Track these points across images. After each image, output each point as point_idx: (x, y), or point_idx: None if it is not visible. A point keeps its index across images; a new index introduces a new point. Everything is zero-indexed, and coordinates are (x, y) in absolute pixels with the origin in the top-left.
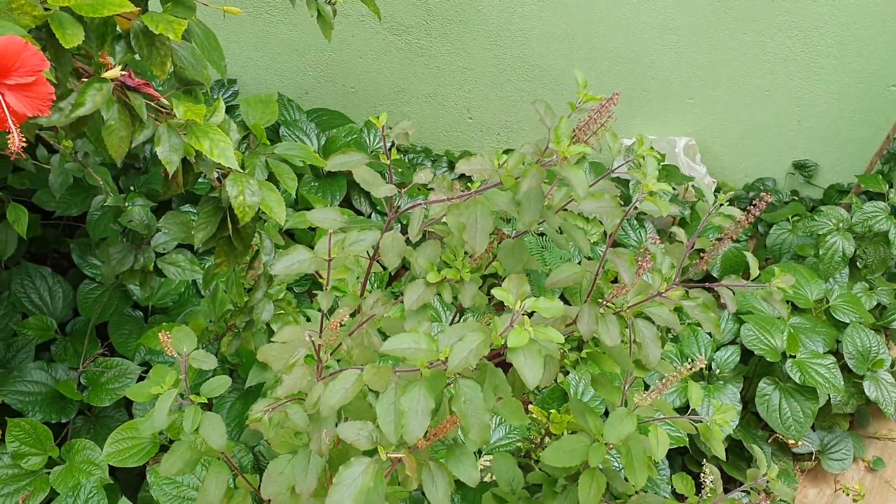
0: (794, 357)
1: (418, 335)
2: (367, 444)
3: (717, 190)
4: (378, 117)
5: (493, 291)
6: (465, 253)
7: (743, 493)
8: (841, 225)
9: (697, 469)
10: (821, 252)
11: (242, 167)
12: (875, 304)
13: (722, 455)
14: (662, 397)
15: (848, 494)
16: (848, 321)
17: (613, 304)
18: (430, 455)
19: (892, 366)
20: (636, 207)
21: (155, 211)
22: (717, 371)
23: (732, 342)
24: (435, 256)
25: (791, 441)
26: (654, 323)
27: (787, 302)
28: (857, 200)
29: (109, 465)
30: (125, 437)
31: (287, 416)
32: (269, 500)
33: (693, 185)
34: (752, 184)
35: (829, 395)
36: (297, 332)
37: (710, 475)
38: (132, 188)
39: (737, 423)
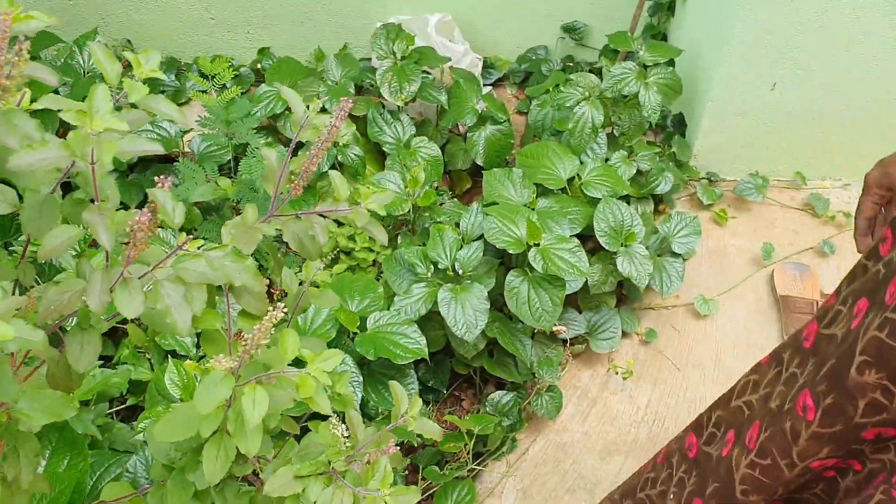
0: (538, 245)
1: None
2: None
3: (489, 66)
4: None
5: None
6: None
7: (503, 392)
8: (590, 93)
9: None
10: (570, 125)
11: None
12: (636, 171)
13: (325, 410)
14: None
15: (617, 373)
16: (600, 196)
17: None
18: None
19: (655, 232)
20: None
21: None
22: (461, 271)
23: (481, 237)
24: None
25: (556, 328)
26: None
27: (537, 185)
28: (608, 63)
29: None
30: None
31: None
32: None
33: (450, 67)
34: (524, 54)
35: (575, 279)
36: None
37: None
38: None
39: (483, 324)
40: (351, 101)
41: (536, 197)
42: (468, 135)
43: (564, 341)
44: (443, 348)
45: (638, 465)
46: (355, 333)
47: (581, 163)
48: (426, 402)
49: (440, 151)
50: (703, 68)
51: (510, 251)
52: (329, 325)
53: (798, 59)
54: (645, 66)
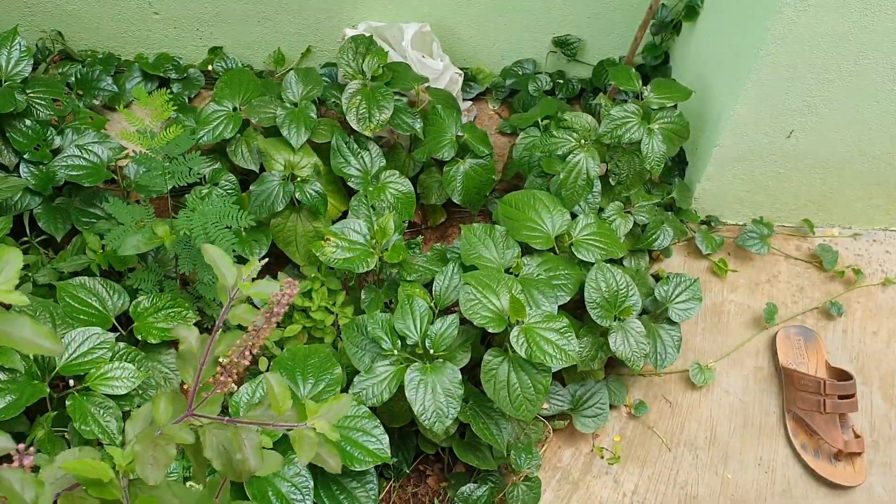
0: (521, 323)
1: None
2: None
3: (470, 78)
4: None
5: None
6: None
7: (475, 485)
8: (586, 138)
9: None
10: (562, 175)
11: None
12: (632, 225)
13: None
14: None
15: (602, 457)
16: (592, 260)
17: None
18: None
19: (649, 295)
20: None
21: None
22: (432, 349)
23: (456, 305)
24: None
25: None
26: None
27: (520, 244)
28: (608, 103)
29: None
30: None
31: None
32: None
33: (426, 88)
34: (509, 68)
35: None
36: None
37: None
38: None
39: (456, 412)
40: (296, 284)
41: (520, 257)
42: (445, 169)
43: (547, 417)
44: (409, 422)
45: None
46: None
47: (572, 217)
48: (387, 479)
49: (412, 187)
50: (711, 108)
51: (490, 330)
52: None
53: (819, 106)
54: (650, 109)
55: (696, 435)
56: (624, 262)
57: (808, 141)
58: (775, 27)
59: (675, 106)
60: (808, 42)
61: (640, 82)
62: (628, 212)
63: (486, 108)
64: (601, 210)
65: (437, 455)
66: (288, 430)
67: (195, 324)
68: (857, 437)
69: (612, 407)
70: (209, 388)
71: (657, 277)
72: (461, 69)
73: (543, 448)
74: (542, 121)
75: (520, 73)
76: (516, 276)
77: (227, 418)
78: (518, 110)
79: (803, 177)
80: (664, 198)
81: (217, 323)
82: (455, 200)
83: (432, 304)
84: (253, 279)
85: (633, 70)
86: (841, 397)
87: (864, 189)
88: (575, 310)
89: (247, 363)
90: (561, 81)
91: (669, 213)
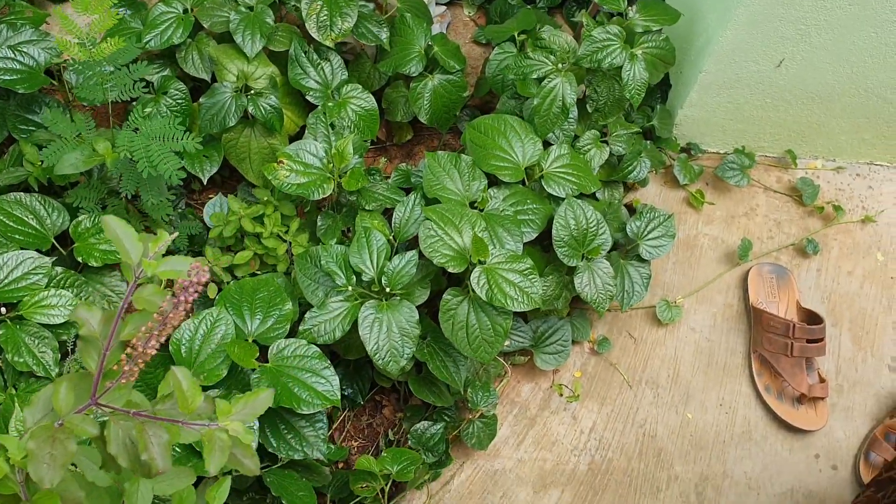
0: (483, 263)
1: None
2: None
3: None
4: None
5: None
6: None
7: (430, 422)
8: (564, 60)
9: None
10: (536, 101)
11: None
12: (608, 155)
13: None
14: None
15: (562, 395)
16: (563, 195)
17: None
18: None
19: (621, 229)
20: None
21: None
22: (389, 287)
23: (416, 239)
24: None
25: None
26: None
27: (488, 175)
28: (590, 22)
29: None
30: None
31: None
32: None
33: None
34: None
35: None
36: None
37: None
38: None
39: (411, 352)
40: (206, 270)
41: (487, 190)
42: (412, 85)
43: (506, 353)
44: (365, 354)
45: (576, 501)
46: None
47: (545, 145)
48: (342, 409)
49: (376, 103)
50: (699, 31)
51: (450, 270)
52: (220, 358)
53: (813, 35)
54: (634, 31)
55: (658, 373)
56: (597, 194)
57: (798, 70)
58: None
59: (661, 29)
60: None
61: (626, 1)
62: (605, 141)
63: (462, 15)
64: (576, 138)
65: (394, 386)
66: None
67: None
68: (821, 381)
69: (575, 342)
70: (114, 374)
71: (632, 208)
72: None
73: (502, 382)
74: (518, 35)
75: None
76: (481, 210)
77: (133, 411)
78: (494, 19)
79: (789, 108)
80: (644, 125)
81: (121, 304)
82: (422, 119)
83: (391, 237)
84: (164, 254)
85: None
86: (809, 341)
87: (852, 122)
88: (543, 242)
89: (153, 352)
90: None
91: (648, 142)
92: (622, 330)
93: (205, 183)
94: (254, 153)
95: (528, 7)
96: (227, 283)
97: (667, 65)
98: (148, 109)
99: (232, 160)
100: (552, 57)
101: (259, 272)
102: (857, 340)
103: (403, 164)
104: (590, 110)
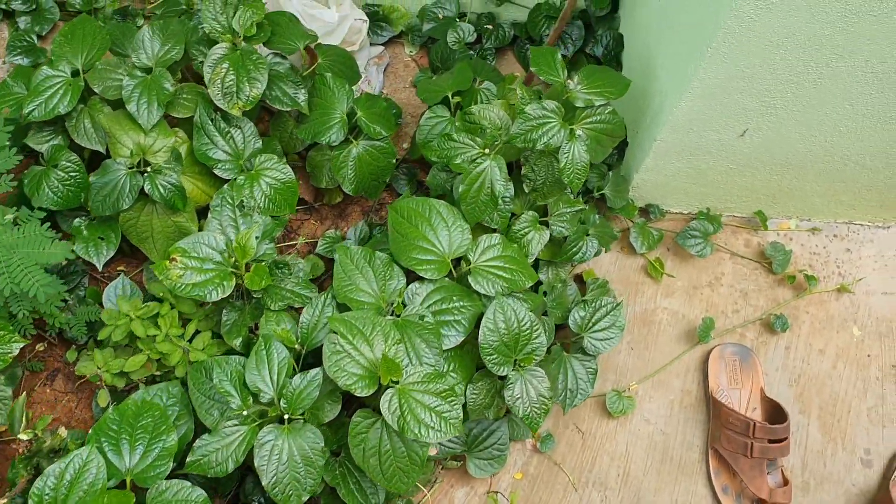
0: (397, 383)
1: None
2: None
3: (382, 18)
4: None
5: None
6: None
7: None
8: (495, 139)
9: None
10: (462, 187)
11: None
12: (549, 238)
13: None
14: None
15: None
16: (492, 292)
17: None
18: None
19: (564, 317)
20: None
21: None
22: (289, 412)
23: None
24: None
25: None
26: None
27: (406, 271)
28: (525, 94)
29: None
30: None
31: None
32: None
33: (316, 46)
34: (428, 8)
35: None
36: None
37: None
38: None
39: (313, 484)
40: None
41: (405, 288)
42: (334, 153)
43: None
44: None
45: None
46: None
47: (481, 228)
48: None
49: (293, 175)
50: (655, 94)
51: (357, 393)
52: None
53: (780, 108)
54: (575, 106)
55: (607, 472)
56: (540, 274)
57: (765, 139)
58: (729, 25)
59: (607, 102)
60: (769, 42)
61: (565, 72)
62: (545, 222)
63: (402, 54)
64: (514, 216)
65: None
66: None
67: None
68: (785, 482)
69: (515, 440)
70: None
71: (582, 280)
72: (371, 6)
73: (432, 489)
74: (452, 97)
75: (440, 15)
76: (398, 316)
77: None
78: (436, 64)
79: (757, 173)
80: (594, 194)
81: None
82: (346, 190)
83: (298, 345)
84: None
85: (558, 55)
86: (771, 441)
87: (828, 186)
88: (475, 338)
89: None
90: (490, 27)
91: (597, 216)
92: (569, 423)
93: (100, 269)
94: (157, 233)
95: (470, 55)
96: (121, 389)
97: (614, 139)
98: (9, 216)
99: (133, 240)
100: (478, 140)
101: (158, 374)
102: (828, 430)
103: (332, 231)
104: (527, 190)
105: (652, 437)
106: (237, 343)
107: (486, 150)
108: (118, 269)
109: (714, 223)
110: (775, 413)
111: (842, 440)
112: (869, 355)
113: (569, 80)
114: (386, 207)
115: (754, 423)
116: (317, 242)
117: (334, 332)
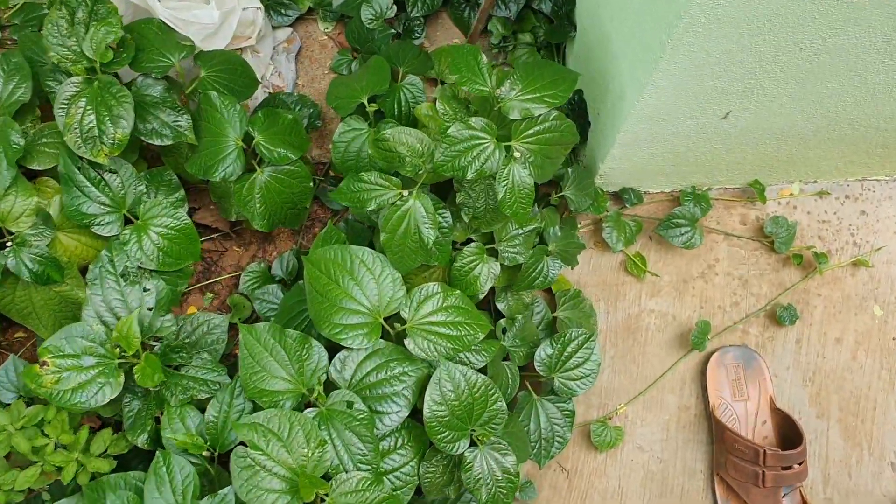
0: (324, 499)
1: None
2: None
3: (286, 6)
4: None
5: None
6: None
7: None
8: (418, 168)
9: None
10: (383, 236)
11: None
12: (500, 268)
13: None
14: None
15: None
16: (433, 356)
17: None
18: None
19: (533, 347)
20: None
21: None
22: None
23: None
24: None
25: None
26: None
27: (330, 343)
28: (447, 108)
29: None
30: None
31: None
32: None
33: (199, 55)
34: None
35: None
36: None
37: None
38: None
39: None
40: None
41: (329, 366)
42: (235, 187)
43: None
44: None
45: None
46: None
47: (406, 288)
48: None
49: (189, 219)
50: (614, 78)
51: None
52: None
53: (768, 87)
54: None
55: None
56: (498, 304)
57: (753, 118)
58: (692, 13)
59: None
60: (746, 26)
61: (494, 79)
62: (493, 251)
63: (317, 32)
64: (456, 245)
65: None
66: None
67: None
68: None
69: None
70: None
71: (552, 293)
72: None
73: None
74: (368, 103)
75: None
76: (323, 405)
77: None
78: (354, 45)
79: (749, 149)
80: (553, 198)
81: None
82: (257, 227)
83: (208, 450)
84: None
85: (482, 57)
86: (785, 468)
87: (836, 150)
88: None
89: None
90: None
91: (558, 228)
92: (550, 463)
93: None
94: (39, 307)
95: (391, 32)
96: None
97: (566, 146)
98: None
99: (15, 317)
100: (395, 180)
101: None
102: (850, 434)
103: (255, 263)
104: (466, 220)
105: (647, 466)
106: (142, 440)
107: (404, 193)
108: (15, 334)
109: (703, 203)
110: (788, 428)
111: (868, 444)
112: (894, 338)
113: (500, 90)
114: (318, 225)
115: (764, 451)
116: (241, 275)
117: (242, 445)
